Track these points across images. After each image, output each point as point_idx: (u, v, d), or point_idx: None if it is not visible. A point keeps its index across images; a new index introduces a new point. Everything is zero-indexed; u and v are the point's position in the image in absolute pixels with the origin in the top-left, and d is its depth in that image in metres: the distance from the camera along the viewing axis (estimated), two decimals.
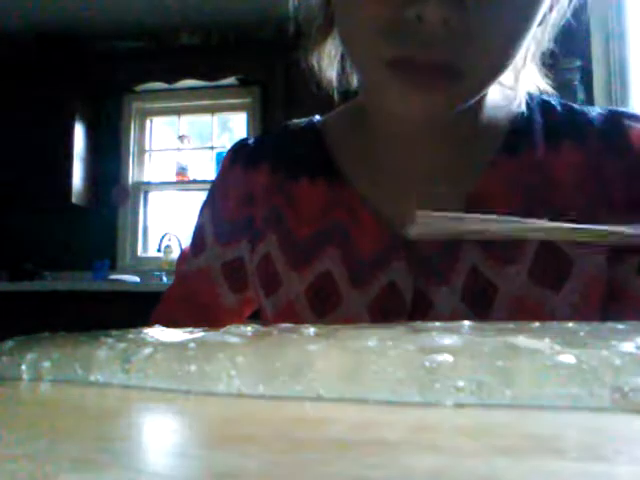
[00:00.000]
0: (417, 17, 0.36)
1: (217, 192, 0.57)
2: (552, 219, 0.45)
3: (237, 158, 0.56)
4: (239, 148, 0.57)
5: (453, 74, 0.38)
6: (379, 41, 0.39)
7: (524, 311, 0.43)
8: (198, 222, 0.58)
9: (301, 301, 0.49)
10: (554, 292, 0.43)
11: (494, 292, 0.44)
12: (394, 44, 0.38)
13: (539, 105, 0.50)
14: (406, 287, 0.46)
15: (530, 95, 0.50)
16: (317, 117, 0.57)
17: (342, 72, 0.52)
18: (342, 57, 0.52)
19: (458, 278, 0.45)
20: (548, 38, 0.47)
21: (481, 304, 0.44)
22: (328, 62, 0.52)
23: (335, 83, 0.53)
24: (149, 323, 0.57)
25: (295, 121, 0.57)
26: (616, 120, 0.48)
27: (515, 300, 0.43)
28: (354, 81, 0.53)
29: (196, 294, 0.57)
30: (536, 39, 0.47)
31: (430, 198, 0.47)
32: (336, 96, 0.54)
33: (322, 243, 0.49)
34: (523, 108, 0.49)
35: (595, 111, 0.49)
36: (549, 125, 0.49)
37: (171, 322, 0.56)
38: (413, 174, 0.49)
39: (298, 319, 0.48)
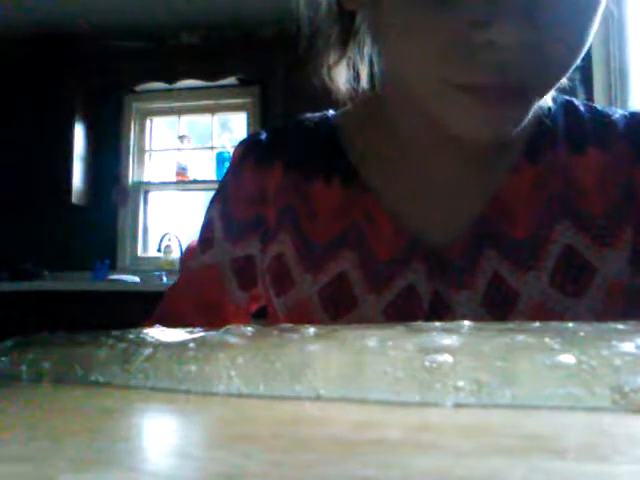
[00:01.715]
0: (488, 41, 0.34)
1: (227, 188, 0.56)
2: (575, 224, 0.45)
3: (249, 154, 0.54)
4: (251, 144, 0.55)
5: (527, 94, 0.37)
6: (444, 67, 0.37)
7: (545, 317, 0.42)
8: (207, 218, 0.57)
9: (314, 303, 0.48)
10: (576, 298, 0.43)
11: (515, 298, 0.43)
12: (462, 71, 0.36)
13: (562, 106, 0.49)
14: (424, 291, 0.45)
15: (553, 96, 0.49)
16: (331, 112, 0.55)
17: (353, 81, 0.51)
18: (352, 68, 0.51)
19: (479, 283, 0.44)
20: None
21: (502, 309, 0.44)
22: (341, 76, 0.51)
23: (346, 93, 0.52)
24: (152, 319, 0.56)
25: (308, 116, 0.55)
26: (638, 121, 0.47)
27: (536, 306, 0.43)
28: (364, 83, 0.52)
29: (203, 290, 0.56)
30: None
31: (451, 203, 0.47)
32: (347, 102, 0.53)
33: (337, 245, 0.48)
34: (549, 104, 0.48)
35: (618, 113, 0.48)
36: (572, 127, 0.48)
37: (176, 318, 0.56)
38: (434, 177, 0.48)
39: (310, 321, 0.47)
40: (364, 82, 0.52)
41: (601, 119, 0.48)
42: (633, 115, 0.48)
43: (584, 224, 0.45)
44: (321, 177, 0.51)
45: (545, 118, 0.48)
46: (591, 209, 0.45)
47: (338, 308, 0.47)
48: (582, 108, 0.49)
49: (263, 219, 0.52)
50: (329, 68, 0.51)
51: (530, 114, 0.40)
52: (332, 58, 0.50)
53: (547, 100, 0.48)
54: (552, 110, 0.48)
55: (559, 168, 0.46)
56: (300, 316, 0.49)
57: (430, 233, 0.46)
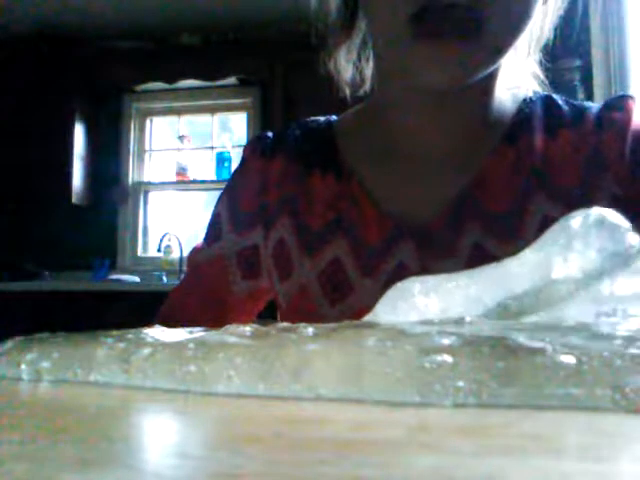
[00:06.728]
0: None
1: (235, 182, 0.59)
2: (551, 196, 0.48)
3: (255, 150, 0.58)
4: (258, 140, 0.59)
5: (474, 23, 0.40)
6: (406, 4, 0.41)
7: None
8: (215, 211, 0.60)
9: (314, 287, 0.51)
10: None
11: None
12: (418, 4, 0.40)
13: (542, 100, 0.53)
14: (414, 266, 0.48)
15: (535, 92, 0.54)
16: (334, 117, 0.60)
17: (358, 75, 0.56)
18: (359, 59, 0.56)
19: (463, 255, 0.47)
20: (549, 27, 0.51)
21: None
22: (345, 65, 0.55)
23: (349, 87, 0.56)
24: (158, 315, 0.58)
25: (314, 118, 0.60)
26: (608, 102, 0.51)
27: None
28: (367, 84, 0.57)
29: (208, 284, 0.58)
30: (538, 28, 0.51)
31: (435, 185, 0.50)
32: (349, 98, 0.58)
33: (330, 233, 0.51)
34: (529, 95, 0.53)
35: (593, 104, 0.53)
36: (550, 116, 0.51)
37: (181, 313, 0.57)
38: (418, 165, 0.51)
39: (312, 305, 0.51)
40: (367, 81, 0.57)
41: (576, 108, 0.52)
42: (605, 101, 0.52)
43: (559, 196, 0.48)
44: (318, 171, 0.54)
45: (525, 108, 0.52)
46: (565, 182, 0.48)
47: (336, 293, 0.50)
48: (560, 101, 0.53)
49: (266, 207, 0.56)
50: (334, 49, 0.55)
51: (489, 64, 0.44)
52: (336, 41, 0.54)
53: (526, 85, 0.53)
54: (531, 101, 0.53)
55: (536, 150, 0.50)
56: (303, 301, 0.51)
57: (414, 213, 0.50)
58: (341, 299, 0.49)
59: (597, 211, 0.24)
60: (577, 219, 0.24)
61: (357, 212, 0.51)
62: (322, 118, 0.60)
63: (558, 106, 0.52)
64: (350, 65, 0.55)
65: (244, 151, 0.60)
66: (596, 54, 2.38)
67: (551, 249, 0.24)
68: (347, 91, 0.57)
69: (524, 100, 0.52)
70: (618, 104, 0.50)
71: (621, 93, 0.53)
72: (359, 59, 0.55)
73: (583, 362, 0.18)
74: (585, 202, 0.47)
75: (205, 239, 0.60)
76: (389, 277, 0.48)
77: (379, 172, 0.52)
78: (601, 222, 0.24)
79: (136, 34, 3.08)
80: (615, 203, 0.47)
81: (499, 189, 0.48)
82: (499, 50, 0.43)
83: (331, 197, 0.53)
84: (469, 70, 0.43)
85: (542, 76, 0.54)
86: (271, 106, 3.00)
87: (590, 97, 2.35)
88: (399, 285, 0.26)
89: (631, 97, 0.51)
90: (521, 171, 0.49)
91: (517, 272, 0.25)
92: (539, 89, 0.55)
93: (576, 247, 0.23)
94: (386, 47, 0.46)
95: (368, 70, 0.56)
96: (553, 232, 0.25)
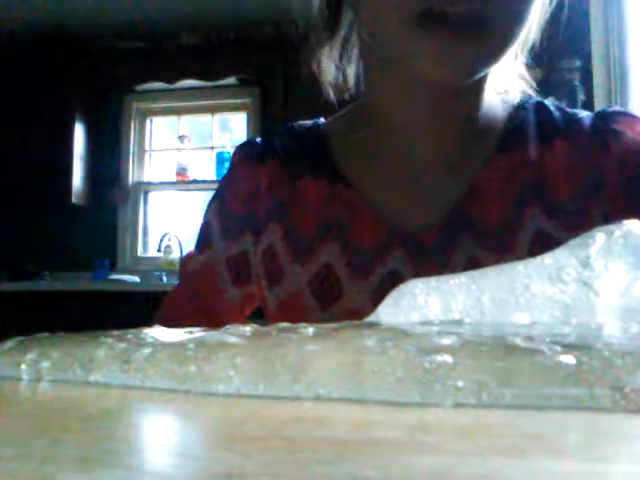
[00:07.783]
0: None
1: (224, 189, 0.59)
2: (545, 210, 0.48)
3: (244, 156, 0.58)
4: (247, 146, 0.59)
5: (482, 24, 0.41)
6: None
7: None
8: (205, 219, 0.59)
9: (304, 292, 0.50)
10: None
11: None
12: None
13: (534, 106, 0.53)
14: (407, 274, 0.48)
15: (526, 98, 0.54)
16: (322, 119, 0.59)
17: (341, 77, 0.55)
18: (340, 59, 0.55)
19: (456, 267, 0.47)
20: (535, 29, 0.51)
21: None
22: (327, 65, 0.54)
23: (332, 88, 0.56)
24: (153, 324, 0.57)
25: (300, 122, 0.59)
26: (603, 116, 0.51)
27: None
28: (350, 84, 0.56)
29: (200, 292, 0.58)
30: (525, 30, 0.50)
31: (428, 193, 0.50)
32: (335, 100, 0.57)
33: (322, 237, 0.51)
34: (520, 100, 0.53)
35: (585, 113, 0.52)
36: (542, 124, 0.51)
37: (176, 317, 0.57)
38: (411, 171, 0.51)
39: (302, 310, 0.50)
40: (350, 82, 0.56)
41: (568, 116, 0.52)
42: (597, 112, 0.52)
43: (553, 210, 0.48)
44: (309, 175, 0.54)
45: (517, 116, 0.52)
46: (559, 196, 0.48)
47: (327, 297, 0.49)
48: (552, 107, 0.53)
49: (255, 213, 0.55)
50: (317, 51, 0.54)
51: (495, 60, 0.44)
52: (320, 40, 0.54)
53: (516, 90, 0.53)
54: (524, 108, 0.52)
55: (529, 160, 0.49)
56: (292, 307, 0.51)
57: (408, 221, 0.49)
58: (332, 303, 0.49)
59: (622, 228, 0.24)
60: (600, 236, 0.24)
61: (350, 216, 0.51)
62: (309, 122, 0.59)
63: (550, 113, 0.52)
64: (333, 66, 0.54)
65: (233, 157, 0.59)
66: (596, 54, 2.38)
67: (565, 260, 0.24)
68: (331, 92, 0.56)
69: (515, 107, 0.52)
70: (614, 120, 0.50)
71: (614, 108, 0.52)
72: (340, 60, 0.54)
73: (583, 362, 0.18)
74: (578, 216, 0.48)
75: (196, 246, 0.59)
76: (380, 282, 0.48)
77: (372, 176, 0.52)
78: (626, 240, 0.23)
79: (136, 34, 3.08)
80: (606, 223, 0.47)
81: (492, 201, 0.48)
82: (502, 49, 0.43)
83: (322, 201, 0.52)
84: (475, 67, 0.43)
85: (529, 78, 0.54)
86: (271, 106, 3.00)
87: (590, 97, 2.35)
88: (401, 286, 0.26)
89: (627, 113, 0.51)
90: (514, 183, 0.49)
91: (523, 274, 0.25)
92: (528, 91, 0.54)
93: (595, 266, 0.23)
94: (389, 44, 0.46)
95: (350, 71, 0.55)
96: (572, 246, 0.24)
